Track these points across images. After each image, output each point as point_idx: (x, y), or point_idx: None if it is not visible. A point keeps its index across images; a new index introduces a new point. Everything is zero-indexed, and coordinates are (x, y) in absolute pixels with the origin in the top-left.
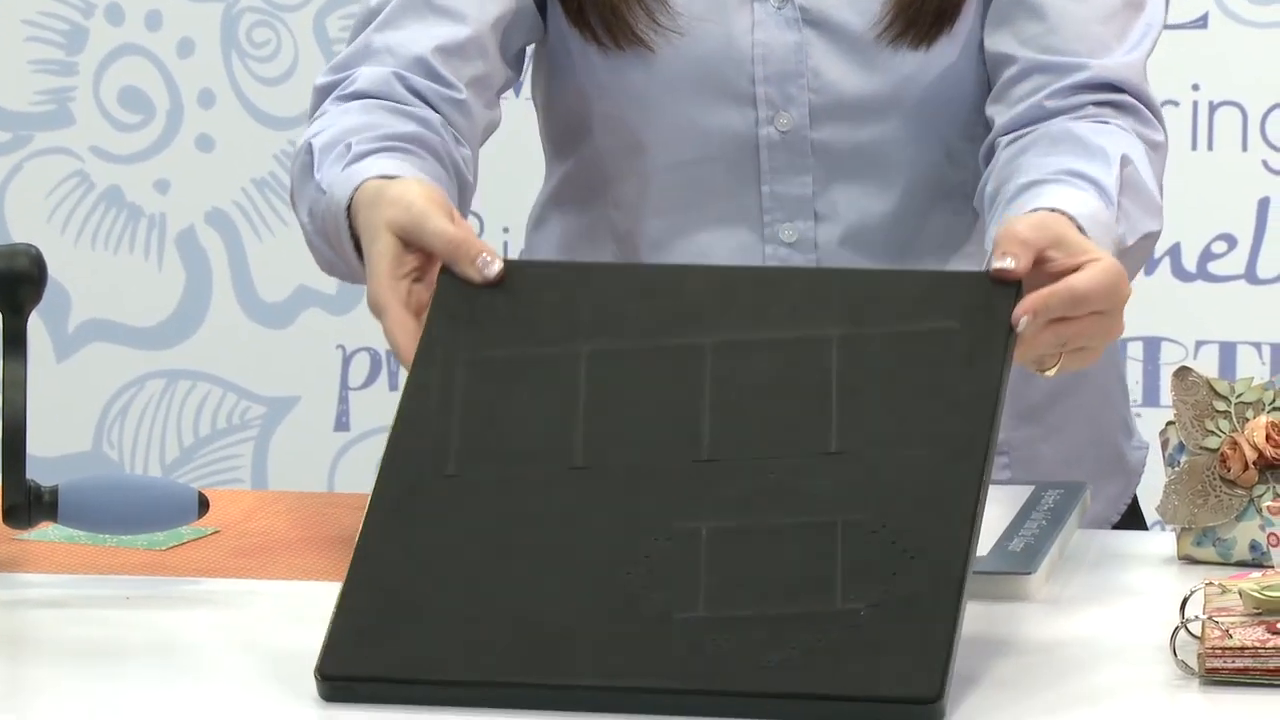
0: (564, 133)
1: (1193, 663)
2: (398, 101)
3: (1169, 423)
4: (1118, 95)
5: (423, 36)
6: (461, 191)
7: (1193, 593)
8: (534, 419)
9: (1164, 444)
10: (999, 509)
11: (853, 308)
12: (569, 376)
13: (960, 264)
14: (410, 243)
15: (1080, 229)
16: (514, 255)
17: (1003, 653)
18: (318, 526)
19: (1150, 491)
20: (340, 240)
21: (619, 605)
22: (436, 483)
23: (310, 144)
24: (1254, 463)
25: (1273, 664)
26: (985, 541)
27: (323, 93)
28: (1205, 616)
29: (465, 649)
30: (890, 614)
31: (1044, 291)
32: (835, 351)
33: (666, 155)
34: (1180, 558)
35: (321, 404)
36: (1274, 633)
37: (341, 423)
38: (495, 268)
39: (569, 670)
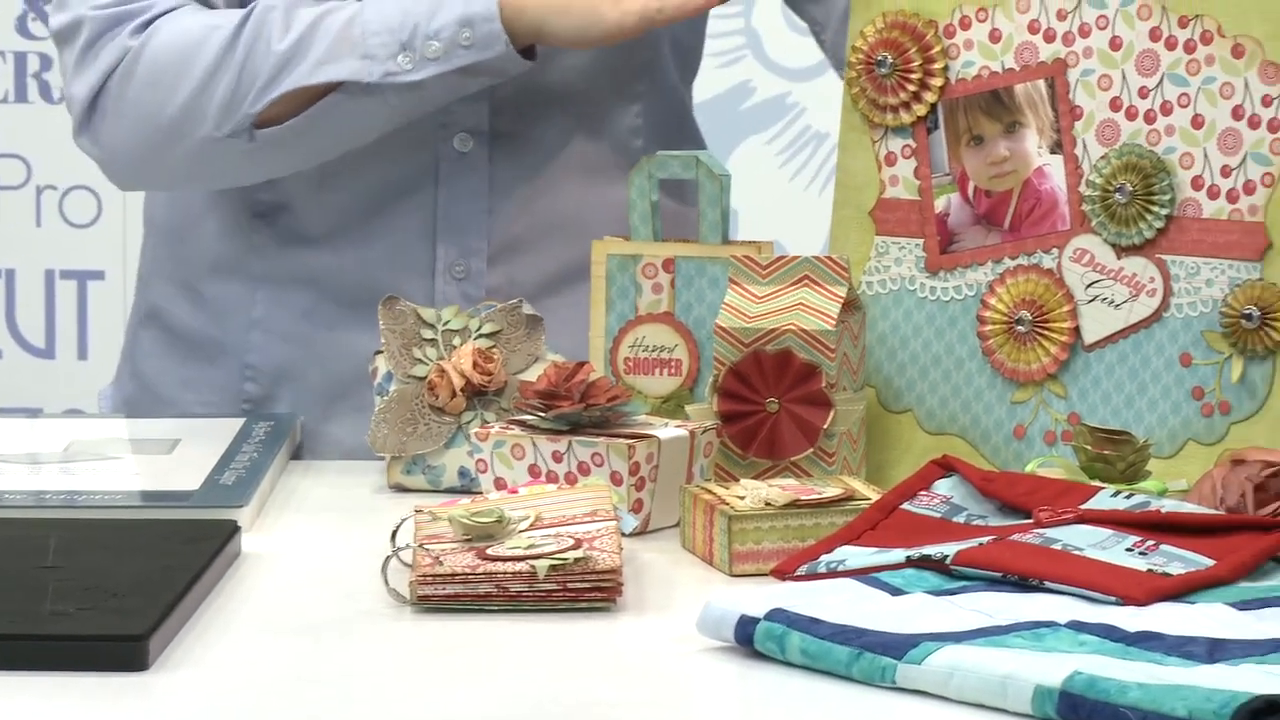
0: None
1: (405, 590)
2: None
3: (377, 352)
4: None
5: None
6: None
7: (403, 521)
8: None
9: (373, 373)
10: (209, 442)
11: None
12: None
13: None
14: None
15: None
16: None
17: (218, 594)
18: None
19: None
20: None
21: None
22: None
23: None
24: (462, 390)
25: (482, 589)
26: (196, 476)
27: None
28: (416, 545)
29: None
30: (99, 613)
31: None
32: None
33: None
34: (391, 486)
35: None
36: (484, 558)
37: None
38: None
39: None
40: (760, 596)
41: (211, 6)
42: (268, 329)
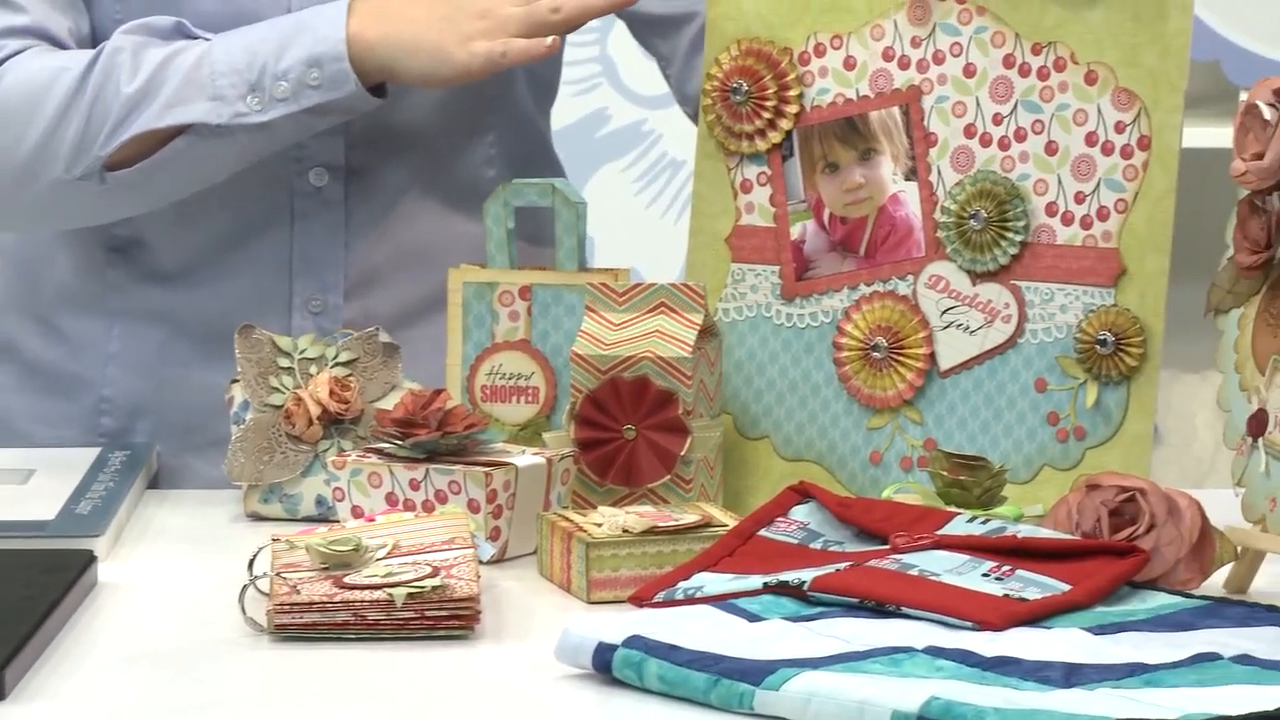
0: None
1: (262, 619)
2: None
3: (234, 380)
4: None
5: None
6: None
7: (260, 550)
8: None
9: (229, 402)
10: (65, 472)
11: None
12: None
13: None
14: None
15: None
16: None
17: (75, 624)
18: None
19: None
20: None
21: None
22: None
23: (156, 56)
24: (318, 418)
25: (340, 618)
26: (51, 506)
27: None
28: (273, 573)
29: None
30: None
31: None
32: None
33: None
34: (248, 515)
35: None
36: (341, 587)
37: None
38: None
39: None
40: (618, 624)
41: (63, 48)
42: (124, 363)
